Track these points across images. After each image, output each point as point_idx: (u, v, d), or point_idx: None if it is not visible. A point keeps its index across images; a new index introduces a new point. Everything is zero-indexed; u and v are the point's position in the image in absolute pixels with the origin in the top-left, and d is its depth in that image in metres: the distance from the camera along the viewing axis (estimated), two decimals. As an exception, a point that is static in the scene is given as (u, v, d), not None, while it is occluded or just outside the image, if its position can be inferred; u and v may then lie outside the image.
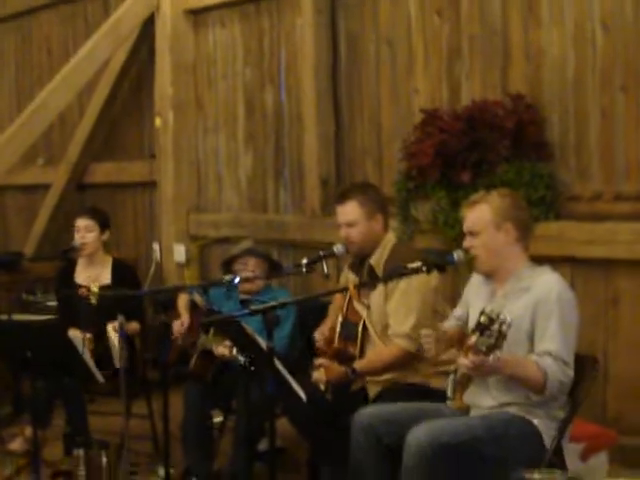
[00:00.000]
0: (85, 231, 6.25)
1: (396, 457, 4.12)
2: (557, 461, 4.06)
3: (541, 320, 4.02)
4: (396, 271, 4.47)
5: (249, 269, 5.73)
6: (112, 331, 5.81)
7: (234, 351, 5.16)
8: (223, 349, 5.33)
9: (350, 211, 4.99)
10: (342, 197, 5.07)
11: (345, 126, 6.81)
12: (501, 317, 3.58)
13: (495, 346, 3.62)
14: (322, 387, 4.84)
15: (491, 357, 3.65)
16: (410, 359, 4.86)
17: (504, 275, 4.20)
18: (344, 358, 4.94)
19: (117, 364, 5.20)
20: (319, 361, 4.93)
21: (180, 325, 5.69)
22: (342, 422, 4.68)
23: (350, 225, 4.98)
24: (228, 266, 5.85)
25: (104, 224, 6.31)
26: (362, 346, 4.98)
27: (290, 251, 7.00)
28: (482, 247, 4.18)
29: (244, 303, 5.70)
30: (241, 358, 4.74)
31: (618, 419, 5.27)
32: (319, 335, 5.18)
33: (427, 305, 4.86)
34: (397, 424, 4.20)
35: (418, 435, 3.95)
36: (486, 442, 3.98)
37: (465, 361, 3.76)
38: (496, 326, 3.58)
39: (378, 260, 4.98)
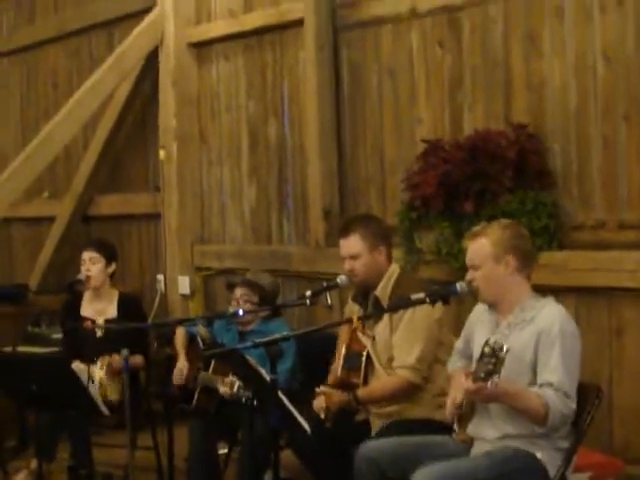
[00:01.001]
0: (90, 263, 6.23)
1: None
2: (562, 492, 4.05)
3: (543, 351, 4.02)
4: (400, 302, 4.48)
5: (241, 299, 5.74)
6: (99, 370, 5.80)
7: (235, 388, 5.17)
8: (225, 388, 5.32)
9: (353, 244, 5.00)
10: (344, 230, 5.08)
11: (348, 157, 6.83)
12: (501, 345, 3.59)
13: (493, 372, 3.63)
14: (322, 415, 4.84)
15: (489, 383, 3.66)
16: (412, 391, 4.86)
17: (507, 306, 4.21)
18: (347, 388, 4.93)
19: (100, 406, 5.16)
20: (320, 389, 4.93)
21: (180, 374, 5.67)
22: (346, 454, 4.68)
23: (353, 258, 4.99)
24: (231, 289, 5.88)
25: (110, 257, 6.29)
26: (365, 377, 4.98)
27: (294, 282, 7.00)
28: (483, 280, 4.19)
29: (243, 335, 5.71)
30: (243, 394, 4.74)
31: (624, 448, 5.24)
32: (331, 378, 5.17)
33: (432, 337, 4.86)
34: (401, 458, 4.19)
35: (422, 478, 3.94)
36: (490, 482, 3.98)
37: (465, 383, 3.77)
38: (495, 353, 3.60)
39: (383, 291, 4.99)
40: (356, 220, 5.21)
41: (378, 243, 5.02)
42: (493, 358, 3.60)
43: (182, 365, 5.72)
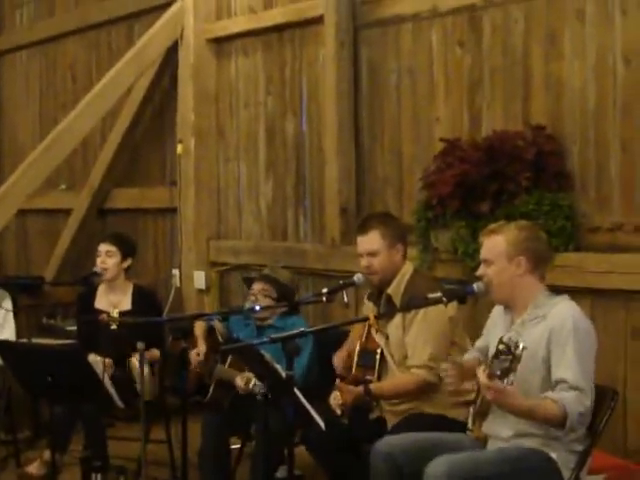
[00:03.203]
0: (106, 256, 6.27)
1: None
2: (576, 494, 4.05)
3: (557, 348, 4.03)
4: (416, 301, 4.49)
5: (259, 294, 5.75)
6: (136, 361, 5.82)
7: (251, 384, 5.17)
8: (241, 382, 5.33)
9: (372, 241, 5.01)
10: (363, 227, 5.10)
11: (366, 155, 6.83)
12: (516, 342, 3.60)
13: (509, 369, 3.64)
14: (338, 411, 4.85)
15: (505, 381, 3.66)
16: (426, 389, 4.88)
17: (521, 304, 4.23)
18: (362, 385, 4.94)
19: (117, 402, 5.19)
20: (336, 385, 4.94)
21: (196, 355, 5.69)
22: (360, 451, 4.69)
23: (372, 255, 5.00)
24: (249, 284, 5.89)
25: (127, 251, 6.32)
26: (379, 375, 5.00)
27: (309, 280, 7.00)
28: (493, 276, 4.23)
29: (260, 330, 5.72)
30: (259, 390, 4.74)
31: (639, 451, 5.23)
32: (338, 360, 5.19)
33: (444, 336, 4.88)
34: (417, 454, 4.20)
35: (436, 469, 3.94)
36: (504, 477, 3.98)
37: (481, 377, 3.77)
38: (511, 351, 3.61)
39: (396, 290, 5.00)
40: (375, 217, 5.23)
41: (396, 241, 5.04)
42: (509, 355, 3.61)
43: (201, 347, 5.73)
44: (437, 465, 3.96)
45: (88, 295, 6.42)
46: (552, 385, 4.00)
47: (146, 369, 5.76)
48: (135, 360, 5.78)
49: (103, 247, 6.30)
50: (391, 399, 4.95)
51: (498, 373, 3.66)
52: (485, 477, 3.98)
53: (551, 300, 4.20)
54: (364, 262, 5.04)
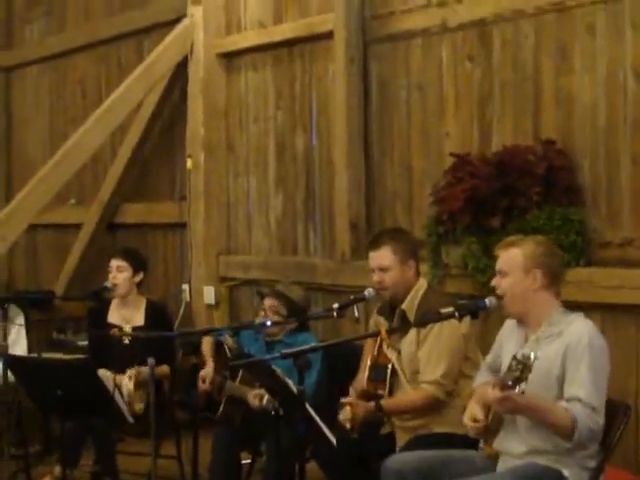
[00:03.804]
0: (117, 271, 6.28)
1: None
2: (588, 510, 4.03)
3: (571, 365, 4.02)
4: (429, 316, 4.49)
5: (269, 310, 5.74)
6: (127, 379, 5.81)
7: (265, 401, 5.16)
8: (254, 399, 5.32)
9: (384, 257, 5.01)
10: (375, 242, 5.10)
11: (375, 170, 6.83)
12: (528, 355, 3.60)
13: (520, 379, 3.63)
14: (348, 426, 4.84)
15: (517, 389, 3.65)
16: (435, 406, 4.87)
17: (535, 320, 4.22)
18: (373, 400, 4.94)
19: (127, 417, 5.19)
20: (346, 400, 4.93)
21: (202, 382, 5.66)
22: (371, 466, 4.68)
23: (383, 270, 5.00)
24: (261, 298, 5.89)
25: (138, 266, 6.33)
26: (390, 389, 5.00)
27: (319, 295, 6.99)
28: (508, 289, 4.23)
29: (270, 345, 5.71)
30: (272, 406, 4.72)
31: (651, 467, 5.22)
32: (354, 390, 5.17)
33: (458, 352, 4.88)
34: (428, 473, 4.20)
35: None
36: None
37: (492, 393, 3.76)
38: (522, 361, 3.60)
39: (410, 306, 5.00)
40: (387, 233, 5.23)
41: (408, 257, 5.04)
42: (520, 365, 3.61)
43: (207, 371, 5.72)
44: None
45: (100, 310, 6.42)
46: (565, 401, 3.99)
47: (130, 385, 5.77)
48: (126, 378, 5.78)
49: (114, 262, 6.31)
50: (401, 414, 4.95)
51: (510, 383, 3.65)
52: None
53: (566, 317, 4.19)
54: (376, 277, 5.04)
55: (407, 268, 5.04)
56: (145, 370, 5.66)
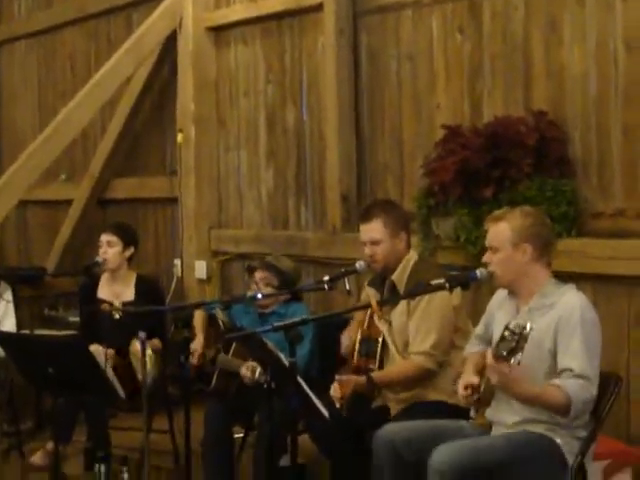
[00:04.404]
0: (107, 246, 6.27)
1: (418, 475, 4.12)
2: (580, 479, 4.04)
3: (563, 338, 4.02)
4: (419, 288, 4.48)
5: (261, 283, 5.74)
6: (137, 347, 5.81)
7: (257, 374, 5.16)
8: (247, 371, 5.33)
9: (375, 230, 5.00)
10: (366, 215, 5.09)
11: (366, 142, 6.81)
12: (523, 325, 3.60)
13: (516, 349, 3.62)
14: (337, 405, 4.84)
15: (512, 360, 3.64)
16: (425, 376, 4.88)
17: (527, 291, 4.22)
18: (364, 374, 4.94)
19: (119, 392, 5.22)
20: (336, 378, 4.94)
21: (194, 354, 5.67)
22: (363, 439, 4.68)
23: (374, 243, 5.00)
24: (251, 272, 5.88)
25: (128, 240, 6.33)
26: (381, 362, 5.00)
27: (310, 267, 6.99)
28: (499, 264, 4.23)
29: (263, 317, 5.71)
30: (264, 380, 4.72)
31: (642, 437, 5.24)
32: (345, 339, 5.17)
33: (448, 323, 4.89)
34: (419, 442, 4.21)
35: (440, 457, 3.95)
36: (508, 464, 3.98)
37: (490, 362, 3.76)
38: (518, 332, 3.60)
39: (400, 277, 5.00)
40: (378, 205, 5.22)
41: (399, 230, 5.04)
42: (516, 335, 3.60)
43: (197, 346, 5.72)
44: (440, 453, 3.96)
45: (90, 285, 6.42)
46: (558, 373, 3.99)
47: (149, 354, 5.77)
48: (137, 345, 5.77)
49: (104, 237, 6.30)
50: (393, 387, 4.96)
51: (504, 354, 3.64)
52: (488, 464, 3.97)
53: (558, 289, 4.19)
54: (367, 250, 5.02)
55: (398, 241, 5.04)
56: (155, 342, 5.81)
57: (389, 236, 5.00)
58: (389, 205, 5.28)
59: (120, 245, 6.28)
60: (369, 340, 5.05)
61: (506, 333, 3.62)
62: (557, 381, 3.95)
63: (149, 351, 5.78)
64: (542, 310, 4.14)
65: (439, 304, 4.81)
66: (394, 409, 4.94)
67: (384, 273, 5.07)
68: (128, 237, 6.35)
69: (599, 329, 4.11)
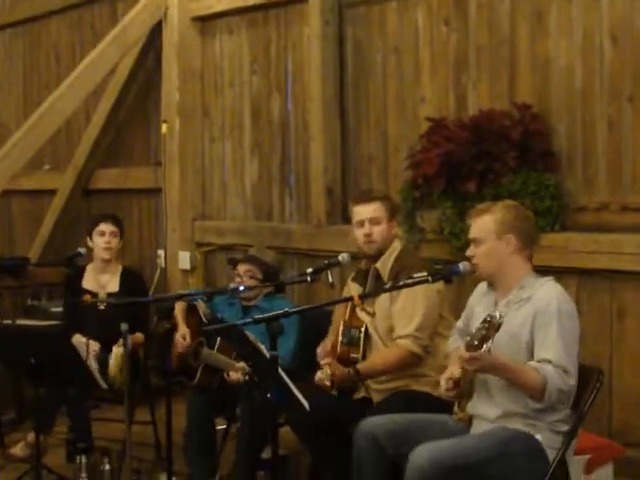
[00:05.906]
0: (111, 236, 6.28)
1: (399, 469, 4.11)
2: (561, 474, 4.04)
3: (540, 330, 4.02)
4: (402, 281, 4.47)
5: (244, 275, 5.71)
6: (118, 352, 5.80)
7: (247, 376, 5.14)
8: (235, 374, 5.30)
9: (377, 209, 5.07)
10: (367, 196, 5.18)
11: (351, 134, 6.80)
12: (493, 315, 3.65)
13: (487, 337, 3.67)
14: (327, 383, 4.83)
15: (484, 347, 3.67)
16: (411, 361, 4.86)
17: (506, 284, 4.23)
18: (346, 364, 4.94)
19: (101, 383, 5.21)
20: (325, 361, 4.93)
21: (182, 339, 5.64)
22: (345, 431, 4.67)
23: (375, 223, 5.02)
24: (234, 265, 5.86)
25: (123, 232, 6.39)
26: (364, 352, 4.99)
27: (294, 260, 6.98)
28: (483, 256, 4.23)
29: (246, 310, 5.69)
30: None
31: (624, 431, 5.24)
32: (322, 351, 5.16)
33: (432, 307, 4.90)
34: (401, 436, 4.20)
35: (420, 456, 3.93)
36: (489, 462, 3.96)
37: (462, 353, 3.78)
38: (488, 321, 3.64)
39: (384, 265, 5.03)
40: (376, 191, 5.38)
41: (393, 217, 5.13)
42: (486, 324, 3.64)
43: (183, 331, 5.69)
44: (420, 452, 3.95)
45: (76, 276, 6.39)
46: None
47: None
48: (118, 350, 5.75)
49: (108, 227, 6.28)
50: (379, 376, 4.94)
51: (475, 343, 3.70)
52: (469, 463, 3.96)
53: (536, 282, 4.20)
54: (365, 230, 5.04)
55: (392, 226, 5.11)
56: (137, 337, 5.87)
57: (386, 219, 5.07)
58: (383, 193, 5.39)
59: (119, 236, 6.31)
60: (352, 330, 5.04)
61: (479, 325, 3.66)
62: (535, 364, 3.95)
63: (119, 350, 5.75)
64: (519, 303, 4.14)
65: (423, 287, 4.78)
66: (376, 397, 4.93)
67: (375, 257, 5.06)
68: (123, 228, 6.39)
69: (576, 321, 4.10)
